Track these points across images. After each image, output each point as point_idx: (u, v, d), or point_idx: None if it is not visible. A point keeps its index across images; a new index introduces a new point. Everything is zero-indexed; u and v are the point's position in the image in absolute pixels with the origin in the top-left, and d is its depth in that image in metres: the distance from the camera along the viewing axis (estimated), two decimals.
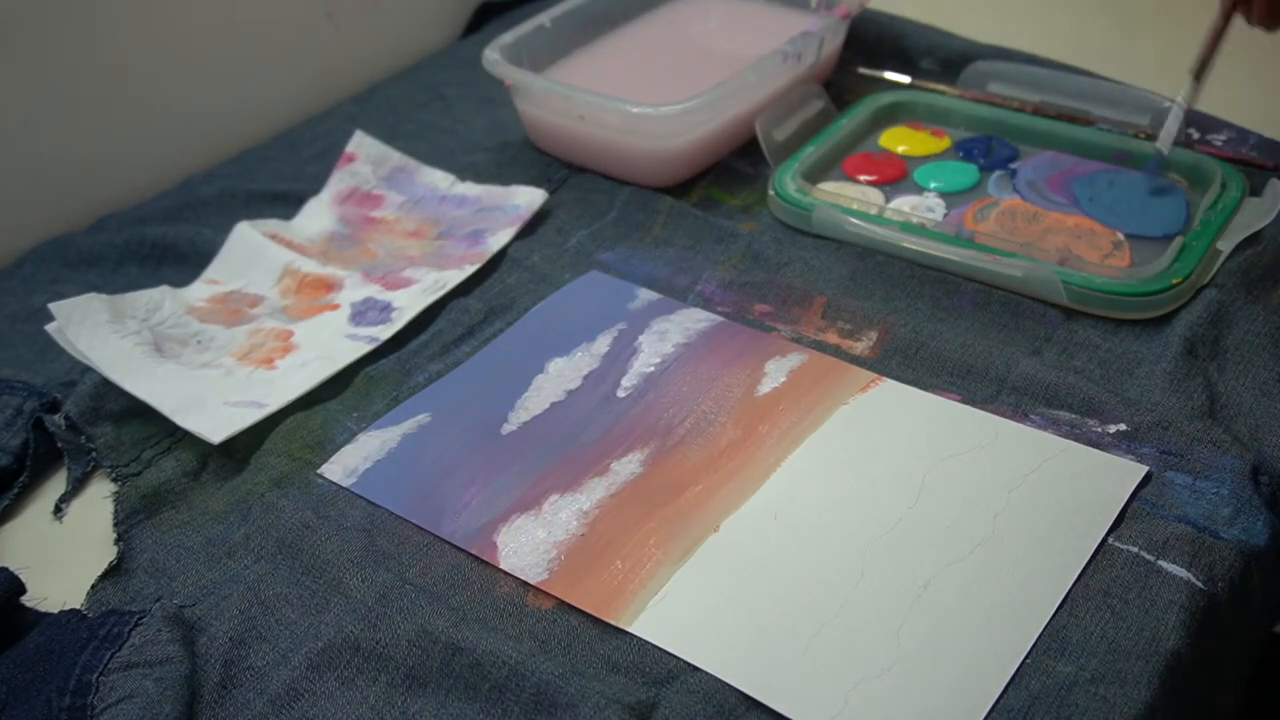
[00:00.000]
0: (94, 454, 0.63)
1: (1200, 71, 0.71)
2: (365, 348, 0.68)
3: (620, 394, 0.64)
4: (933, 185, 0.77)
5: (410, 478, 0.61)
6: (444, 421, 0.64)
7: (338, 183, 0.82)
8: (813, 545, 0.55)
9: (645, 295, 0.71)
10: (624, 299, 0.71)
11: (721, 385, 0.64)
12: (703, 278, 0.72)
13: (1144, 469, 0.56)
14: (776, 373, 0.64)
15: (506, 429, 0.63)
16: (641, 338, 0.68)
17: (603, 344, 0.68)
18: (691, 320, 0.68)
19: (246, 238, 0.76)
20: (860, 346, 0.66)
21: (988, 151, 0.79)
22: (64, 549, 0.60)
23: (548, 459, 0.61)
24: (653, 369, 0.65)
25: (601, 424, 0.63)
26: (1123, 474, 0.56)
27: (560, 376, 0.66)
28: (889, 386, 0.63)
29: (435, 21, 1.05)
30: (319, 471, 0.61)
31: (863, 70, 0.90)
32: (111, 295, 0.68)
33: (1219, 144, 0.78)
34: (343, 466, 0.61)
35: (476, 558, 0.56)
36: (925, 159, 0.80)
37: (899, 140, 0.81)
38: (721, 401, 0.63)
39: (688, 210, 0.77)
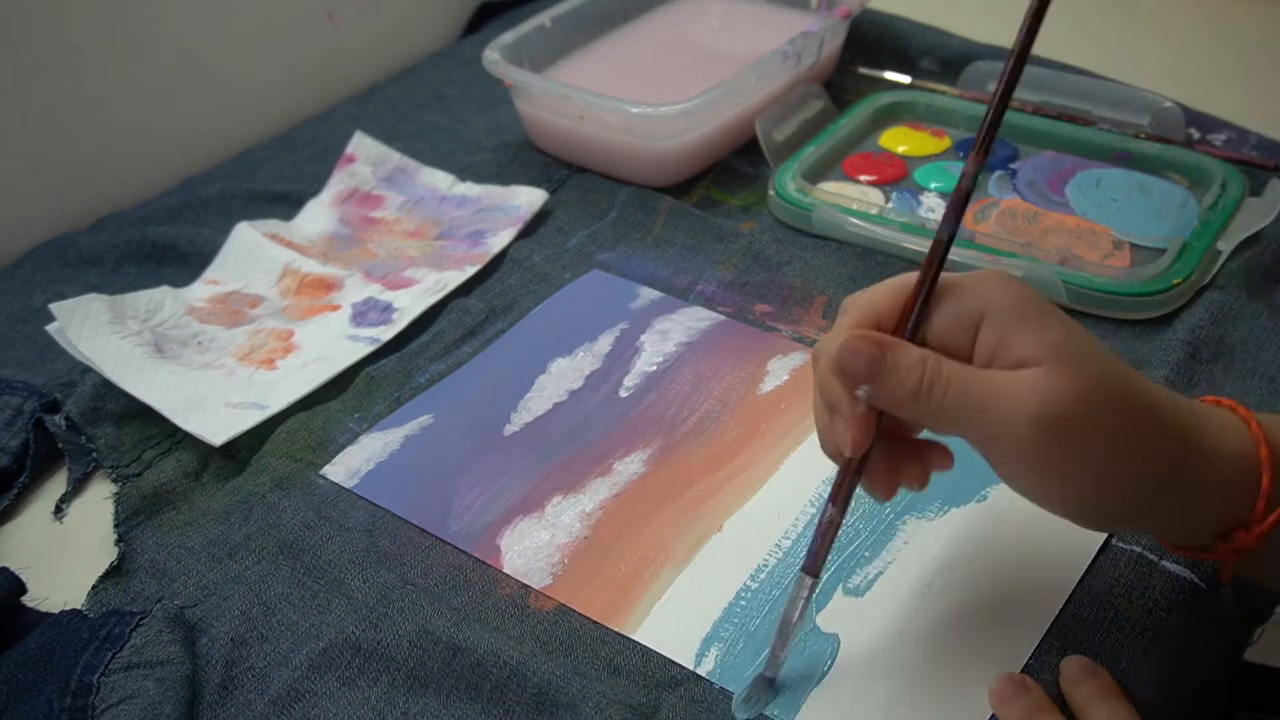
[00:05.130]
0: (94, 454, 0.63)
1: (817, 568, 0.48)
2: (366, 348, 0.68)
3: (623, 393, 0.64)
4: (933, 185, 0.77)
5: (413, 479, 0.61)
6: (446, 423, 0.64)
7: (338, 183, 0.82)
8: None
9: (647, 294, 0.71)
10: (626, 298, 0.71)
11: (724, 384, 0.64)
12: (703, 278, 0.72)
13: None
14: (779, 371, 0.64)
15: (509, 430, 0.63)
16: (644, 337, 0.68)
17: (605, 343, 0.68)
18: (693, 319, 0.68)
19: (246, 238, 0.75)
20: None
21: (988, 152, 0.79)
22: (64, 549, 0.60)
23: (550, 460, 0.61)
24: (655, 368, 0.65)
25: (604, 424, 0.63)
26: None
27: (563, 376, 0.66)
28: None
29: (435, 21, 1.05)
30: (321, 472, 0.61)
31: (863, 70, 0.90)
32: (112, 295, 0.68)
33: (1219, 144, 0.78)
34: (345, 468, 0.61)
35: (478, 558, 0.56)
36: (925, 159, 0.80)
37: (899, 140, 0.81)
38: (724, 400, 0.63)
39: (688, 210, 0.77)
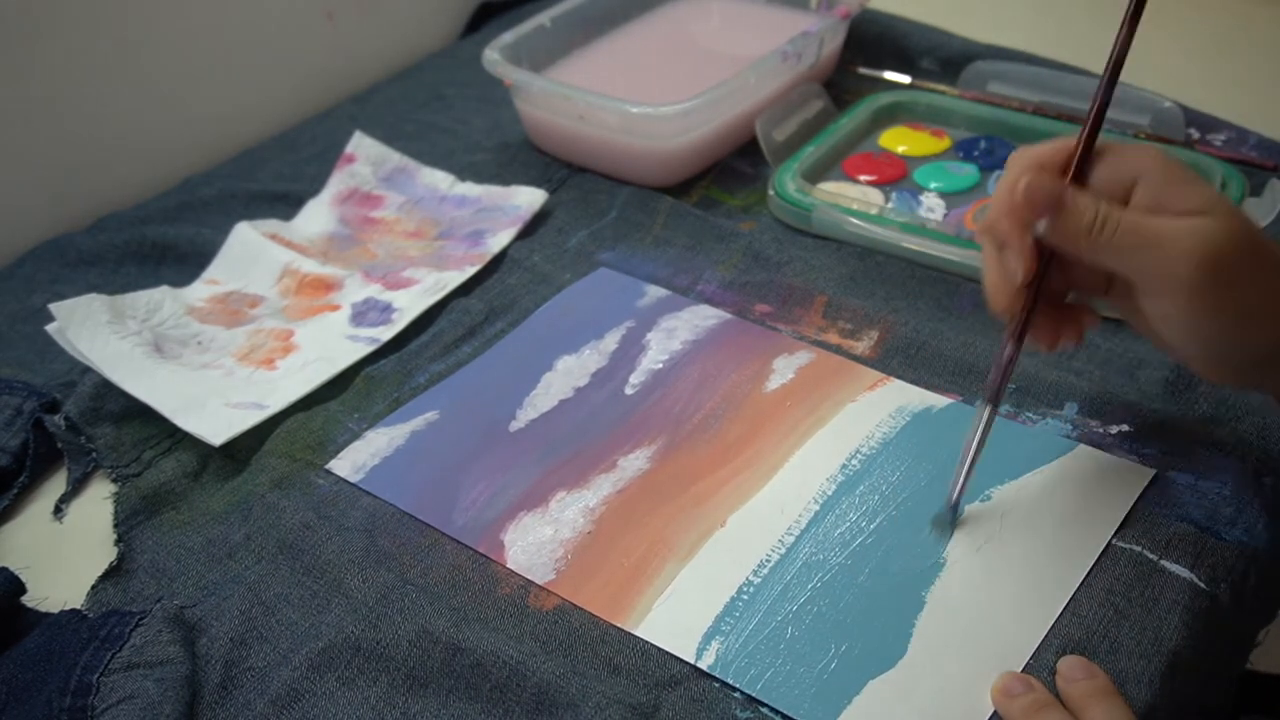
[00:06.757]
0: (94, 454, 0.63)
1: (996, 398, 0.54)
2: (366, 348, 0.68)
3: (628, 391, 0.64)
4: (933, 185, 0.77)
5: (418, 475, 0.61)
6: (452, 419, 0.64)
7: (337, 183, 0.82)
8: (818, 541, 0.55)
9: (654, 292, 0.71)
10: (632, 296, 0.71)
11: (729, 382, 0.64)
12: (703, 278, 0.72)
13: (1151, 471, 0.56)
14: (784, 370, 0.64)
15: (514, 426, 0.63)
16: (650, 335, 0.68)
17: (611, 341, 0.68)
18: (700, 317, 0.68)
19: (246, 238, 0.75)
20: (861, 346, 0.66)
21: (988, 151, 0.79)
22: (64, 549, 0.60)
23: (555, 456, 0.61)
24: (661, 366, 0.65)
25: (609, 421, 0.63)
26: (1130, 476, 0.56)
27: (569, 374, 0.66)
28: (895, 386, 0.63)
29: (435, 21, 1.05)
30: (327, 467, 0.61)
31: (863, 70, 0.90)
32: (111, 295, 0.68)
33: (1219, 144, 0.78)
34: (350, 463, 0.61)
35: (478, 557, 0.56)
36: (925, 159, 0.80)
37: (899, 140, 0.81)
38: (729, 398, 0.63)
39: (688, 210, 0.77)
